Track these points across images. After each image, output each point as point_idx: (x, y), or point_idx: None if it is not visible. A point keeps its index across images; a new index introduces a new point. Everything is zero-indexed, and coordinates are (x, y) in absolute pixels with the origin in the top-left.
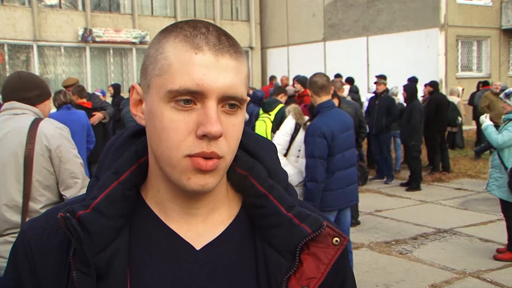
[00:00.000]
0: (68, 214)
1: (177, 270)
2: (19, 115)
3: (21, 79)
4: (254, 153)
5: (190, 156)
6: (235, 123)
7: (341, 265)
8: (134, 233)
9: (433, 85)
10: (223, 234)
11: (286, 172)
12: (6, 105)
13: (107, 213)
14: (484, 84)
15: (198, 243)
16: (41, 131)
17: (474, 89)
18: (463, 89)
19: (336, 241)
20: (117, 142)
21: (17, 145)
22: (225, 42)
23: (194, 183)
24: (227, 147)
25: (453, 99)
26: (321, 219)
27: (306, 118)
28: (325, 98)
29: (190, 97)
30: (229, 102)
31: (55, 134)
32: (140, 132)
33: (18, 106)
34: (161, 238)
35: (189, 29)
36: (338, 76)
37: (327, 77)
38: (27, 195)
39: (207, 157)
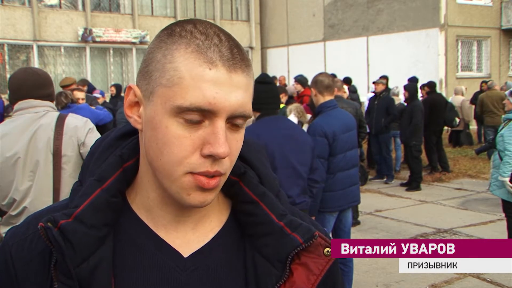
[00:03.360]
0: (49, 223)
1: (164, 278)
2: (47, 113)
3: (40, 76)
4: (245, 157)
5: (192, 173)
6: (238, 139)
7: (330, 273)
8: (119, 241)
9: (430, 85)
10: (212, 241)
11: (276, 177)
12: (23, 103)
13: (90, 222)
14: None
15: (186, 251)
16: (68, 126)
17: (475, 89)
18: (465, 89)
19: (328, 251)
20: (102, 145)
21: (46, 142)
22: (237, 56)
23: (194, 200)
24: (229, 164)
25: (457, 98)
26: (313, 228)
27: (309, 116)
28: (328, 98)
29: (198, 115)
30: (235, 119)
31: (82, 128)
32: (127, 135)
33: (37, 104)
34: (148, 245)
35: (201, 37)
36: (333, 76)
37: (332, 78)
38: (57, 190)
39: (209, 175)
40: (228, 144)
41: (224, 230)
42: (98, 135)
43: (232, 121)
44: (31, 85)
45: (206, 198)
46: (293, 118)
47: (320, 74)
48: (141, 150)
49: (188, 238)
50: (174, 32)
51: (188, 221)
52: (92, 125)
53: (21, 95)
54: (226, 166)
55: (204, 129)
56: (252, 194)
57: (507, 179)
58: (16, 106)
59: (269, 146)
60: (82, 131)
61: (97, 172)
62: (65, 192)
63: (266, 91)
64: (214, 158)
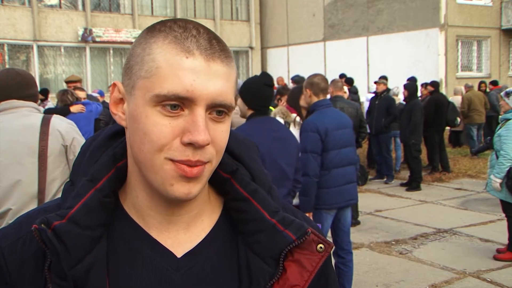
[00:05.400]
0: (42, 225)
1: (158, 279)
2: (31, 114)
3: (23, 76)
4: (236, 154)
5: (173, 160)
6: (223, 129)
7: (323, 269)
8: (112, 242)
9: (434, 85)
10: (204, 240)
11: (269, 174)
12: (5, 104)
13: (84, 223)
14: (493, 83)
15: (179, 251)
16: (54, 128)
17: (475, 89)
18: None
19: (321, 247)
20: (94, 144)
21: (31, 142)
22: (216, 46)
23: (178, 191)
24: (214, 152)
25: (457, 98)
26: (305, 225)
27: (294, 115)
28: (322, 98)
29: (177, 103)
30: (217, 109)
31: (68, 129)
32: (118, 134)
33: (20, 105)
34: (141, 246)
35: (179, 30)
36: (342, 76)
37: (327, 80)
38: (42, 191)
39: (191, 165)
40: (212, 134)
41: (216, 228)
42: (82, 140)
43: (213, 111)
44: (14, 86)
45: (191, 189)
46: (279, 120)
47: (316, 76)
48: (128, 148)
49: (180, 238)
50: (154, 28)
51: (179, 221)
52: (76, 128)
53: (3, 96)
54: (210, 154)
55: (184, 118)
56: (243, 192)
57: (499, 180)
58: None
59: (259, 148)
60: (67, 133)
61: (90, 172)
62: (49, 193)
63: (271, 94)
64: (194, 146)
